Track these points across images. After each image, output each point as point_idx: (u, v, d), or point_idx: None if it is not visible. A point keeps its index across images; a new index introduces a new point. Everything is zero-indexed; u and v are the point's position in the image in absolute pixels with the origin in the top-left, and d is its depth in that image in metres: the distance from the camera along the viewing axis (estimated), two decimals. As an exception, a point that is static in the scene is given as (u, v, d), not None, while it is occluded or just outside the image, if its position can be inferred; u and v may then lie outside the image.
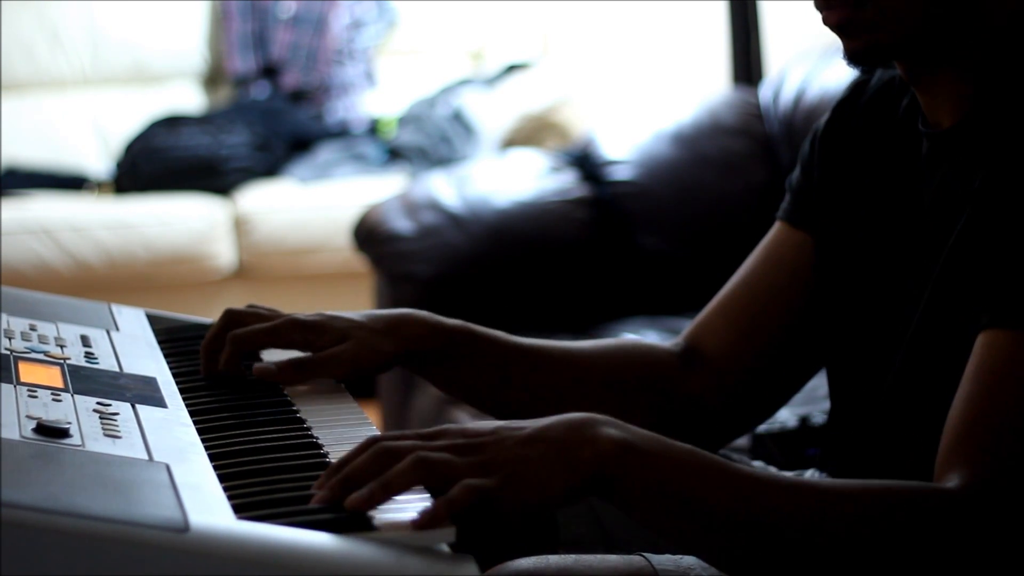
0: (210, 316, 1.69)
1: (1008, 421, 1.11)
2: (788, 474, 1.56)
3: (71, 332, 1.42)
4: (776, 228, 1.47)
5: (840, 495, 1.11)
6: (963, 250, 1.19)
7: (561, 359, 1.47)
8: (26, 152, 4.56)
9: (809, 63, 2.96)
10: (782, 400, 1.49)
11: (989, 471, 1.10)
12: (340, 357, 1.37)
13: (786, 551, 1.10)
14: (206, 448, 1.16)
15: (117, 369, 1.34)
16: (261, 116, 4.57)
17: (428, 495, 1.06)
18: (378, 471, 1.06)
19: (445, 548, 1.00)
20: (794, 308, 1.44)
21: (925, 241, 1.26)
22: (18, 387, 1.20)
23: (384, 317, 1.41)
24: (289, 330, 1.39)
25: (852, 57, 1.23)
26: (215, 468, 1.11)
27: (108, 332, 1.46)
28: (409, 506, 1.05)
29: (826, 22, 1.23)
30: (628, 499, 1.08)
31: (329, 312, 1.42)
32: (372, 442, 1.09)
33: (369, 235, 2.99)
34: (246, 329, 1.39)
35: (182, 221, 4.20)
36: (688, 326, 1.51)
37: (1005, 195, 1.15)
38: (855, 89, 1.40)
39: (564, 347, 1.48)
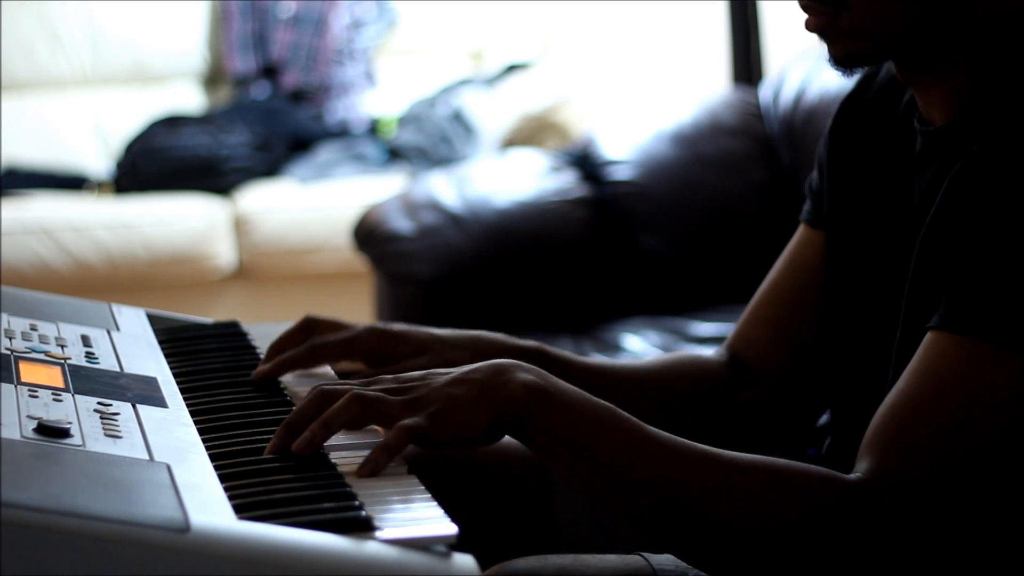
0: (210, 316, 1.69)
1: (926, 423, 1.11)
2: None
3: (72, 332, 1.42)
4: (799, 231, 1.49)
5: (741, 470, 1.13)
6: (928, 248, 1.19)
7: (626, 378, 1.49)
8: (26, 152, 4.56)
9: (809, 63, 2.96)
10: (825, 399, 1.49)
11: (891, 468, 1.11)
12: (417, 368, 1.36)
13: (680, 516, 1.12)
14: (207, 448, 1.16)
15: (118, 369, 1.34)
16: (261, 116, 4.57)
17: (434, 501, 1.07)
18: (318, 413, 1.16)
19: (445, 548, 1.00)
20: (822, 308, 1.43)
21: (911, 239, 1.26)
22: (19, 387, 1.20)
23: (461, 334, 1.45)
24: (366, 340, 1.42)
25: (835, 61, 1.24)
26: (216, 468, 1.11)
27: (109, 332, 1.46)
28: (410, 508, 1.05)
29: (808, 27, 1.23)
30: (535, 442, 1.15)
31: (407, 325, 1.45)
32: (315, 389, 1.18)
33: (369, 235, 2.99)
34: (324, 340, 1.41)
35: (182, 221, 4.20)
36: (729, 337, 1.53)
37: (969, 195, 1.15)
38: (861, 85, 1.40)
39: (628, 366, 1.51)
